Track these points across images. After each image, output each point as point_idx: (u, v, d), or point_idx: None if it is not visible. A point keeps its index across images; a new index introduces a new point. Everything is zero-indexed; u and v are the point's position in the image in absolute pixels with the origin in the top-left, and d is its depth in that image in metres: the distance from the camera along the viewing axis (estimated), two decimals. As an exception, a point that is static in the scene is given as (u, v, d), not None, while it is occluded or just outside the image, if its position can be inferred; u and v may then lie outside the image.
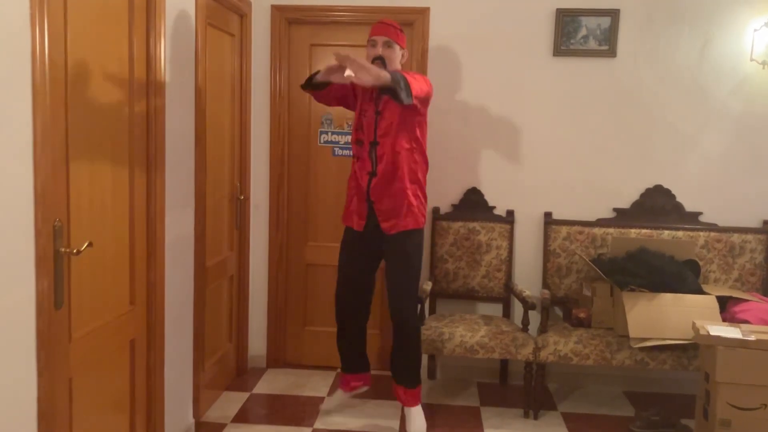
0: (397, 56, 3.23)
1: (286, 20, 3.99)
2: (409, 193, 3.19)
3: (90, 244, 2.15)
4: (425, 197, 3.32)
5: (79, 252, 2.10)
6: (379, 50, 3.18)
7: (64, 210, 2.10)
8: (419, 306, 3.45)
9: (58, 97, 2.05)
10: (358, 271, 3.42)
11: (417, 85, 2.97)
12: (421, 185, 3.28)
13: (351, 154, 3.45)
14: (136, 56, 2.56)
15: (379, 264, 3.44)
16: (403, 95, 2.85)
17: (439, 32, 3.91)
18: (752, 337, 2.97)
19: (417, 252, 3.28)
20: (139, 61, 2.59)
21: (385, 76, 2.81)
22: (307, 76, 3.31)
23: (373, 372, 3.68)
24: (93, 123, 2.30)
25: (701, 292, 3.45)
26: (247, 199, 3.99)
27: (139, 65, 2.59)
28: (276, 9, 3.96)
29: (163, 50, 2.71)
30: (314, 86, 3.22)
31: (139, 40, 2.58)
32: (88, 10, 2.22)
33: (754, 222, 3.88)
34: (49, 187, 1.98)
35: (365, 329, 3.55)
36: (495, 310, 4.01)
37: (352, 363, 3.56)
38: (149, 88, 2.66)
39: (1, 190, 1.80)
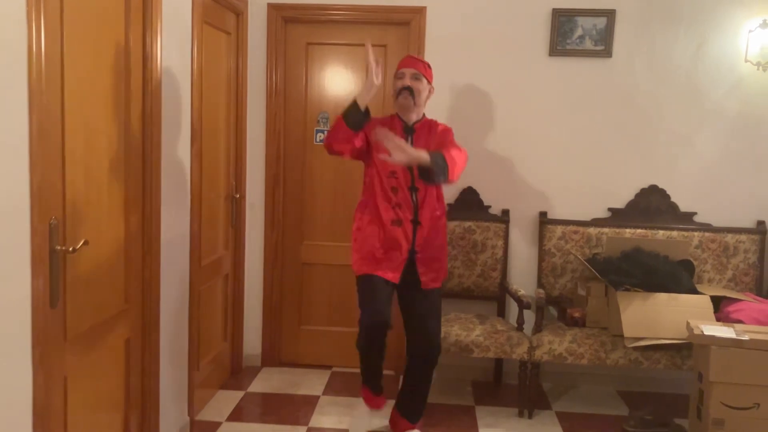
0: (425, 89, 3.15)
1: (282, 19, 3.98)
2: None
3: (86, 242, 2.14)
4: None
5: (75, 250, 2.09)
6: (407, 81, 3.09)
7: (60, 208, 2.09)
8: None
9: (54, 94, 2.04)
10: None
11: (457, 164, 2.91)
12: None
13: None
14: (132, 54, 2.55)
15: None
16: (440, 178, 2.87)
17: (435, 32, 3.91)
18: (746, 337, 2.99)
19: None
20: (136, 59, 2.59)
21: (423, 157, 2.80)
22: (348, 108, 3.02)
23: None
24: (89, 121, 2.29)
25: (695, 291, 3.47)
26: (242, 197, 3.99)
27: (135, 63, 2.58)
28: (272, 7, 3.96)
29: (160, 48, 2.70)
30: (355, 120, 2.95)
31: (135, 37, 2.57)
32: (84, 7, 2.21)
33: (748, 222, 3.90)
34: (45, 185, 1.97)
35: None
36: (490, 309, 4.01)
37: (380, 382, 3.38)
38: (145, 86, 2.66)
39: (-4, 187, 1.80)
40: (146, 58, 2.65)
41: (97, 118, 2.35)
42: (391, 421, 3.35)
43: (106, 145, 2.42)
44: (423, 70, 3.14)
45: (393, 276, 3.09)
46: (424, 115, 3.23)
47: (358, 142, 3.02)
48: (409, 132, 3.15)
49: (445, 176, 2.85)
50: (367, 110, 2.97)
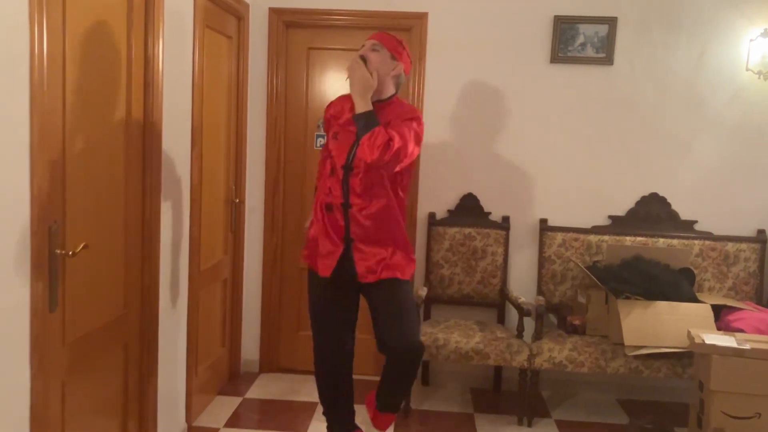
0: (384, 64, 2.76)
1: (283, 23, 3.98)
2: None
3: (85, 246, 2.12)
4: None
5: (74, 254, 2.07)
6: (362, 51, 2.78)
7: (60, 212, 2.08)
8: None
9: (56, 97, 2.03)
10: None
11: (379, 140, 2.55)
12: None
13: None
14: (134, 57, 2.54)
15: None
16: (359, 132, 2.63)
17: (437, 38, 3.90)
18: (747, 346, 2.98)
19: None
20: (137, 62, 2.57)
21: (365, 103, 2.63)
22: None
23: (369, 377, 3.66)
24: (90, 124, 2.27)
25: (696, 300, 3.46)
26: (242, 202, 3.97)
27: (136, 66, 2.57)
28: (274, 12, 3.95)
29: (161, 52, 2.69)
30: None
31: (137, 41, 2.56)
32: (86, 10, 2.20)
33: (749, 231, 3.89)
34: (46, 188, 1.95)
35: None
36: (490, 316, 4.00)
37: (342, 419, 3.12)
38: (146, 90, 2.64)
39: (-4, 190, 1.78)
40: (147, 62, 2.63)
41: (97, 122, 2.33)
42: (369, 412, 3.06)
43: (106, 149, 2.41)
44: (387, 42, 2.79)
45: (325, 268, 2.83)
46: (393, 96, 2.84)
47: None
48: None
49: (362, 133, 2.59)
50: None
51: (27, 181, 1.89)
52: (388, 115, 2.75)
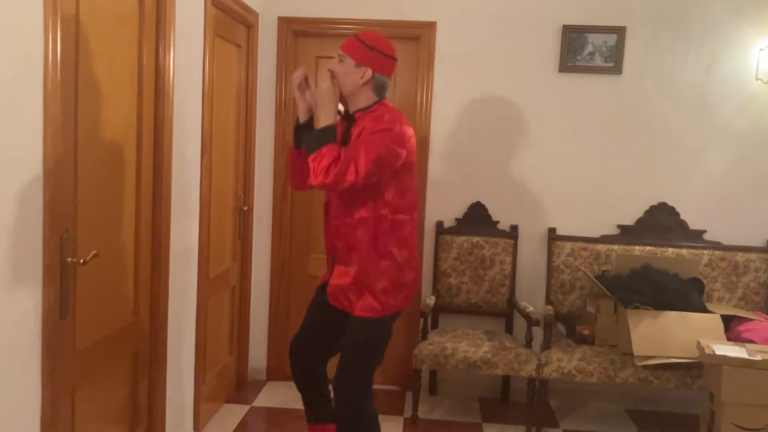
0: (349, 75, 2.52)
1: (292, 32, 4.00)
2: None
3: (96, 254, 2.13)
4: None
5: (85, 262, 2.08)
6: (331, 65, 2.59)
7: (71, 220, 2.09)
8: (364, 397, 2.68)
9: (69, 106, 2.04)
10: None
11: (326, 161, 2.36)
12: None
13: None
14: (145, 65, 2.56)
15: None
16: (306, 151, 2.46)
17: (445, 47, 3.91)
18: (758, 357, 2.96)
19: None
20: (148, 71, 2.59)
21: (324, 118, 2.46)
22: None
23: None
24: (102, 132, 2.29)
25: (705, 310, 3.44)
26: (250, 210, 3.98)
27: (148, 74, 2.58)
28: (283, 21, 3.97)
29: (172, 60, 2.70)
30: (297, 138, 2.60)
31: (148, 49, 2.57)
32: (99, 18, 2.22)
33: (759, 241, 3.87)
34: (58, 197, 1.96)
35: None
36: (498, 325, 3.99)
37: (313, 410, 2.92)
38: (157, 98, 2.66)
39: (10, 199, 1.79)
40: (159, 70, 2.65)
41: (109, 130, 2.34)
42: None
43: (117, 157, 2.42)
44: (349, 49, 2.54)
45: (323, 277, 2.74)
46: (375, 104, 2.57)
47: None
48: (349, 120, 2.60)
49: (308, 153, 2.43)
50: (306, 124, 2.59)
51: (40, 190, 1.89)
52: (364, 124, 2.52)
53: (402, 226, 2.55)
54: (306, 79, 2.60)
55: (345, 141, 2.53)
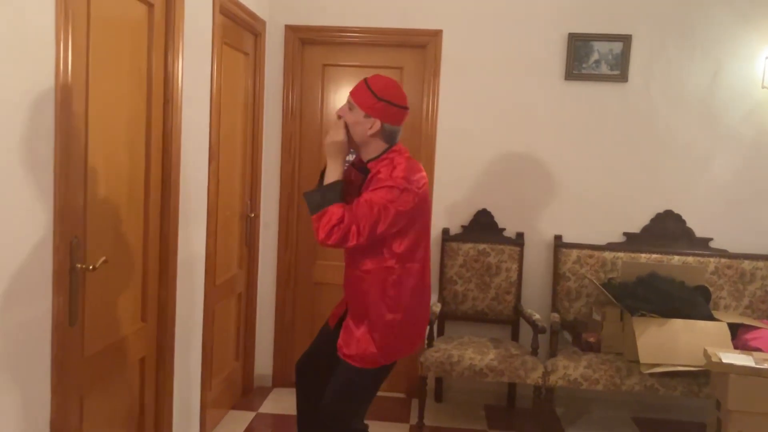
0: (359, 124, 2.44)
1: (299, 40, 4.02)
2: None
3: (105, 261, 2.15)
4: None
5: (95, 268, 2.10)
6: (340, 110, 2.52)
7: (81, 227, 2.10)
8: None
9: (79, 114, 2.06)
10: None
11: (330, 221, 2.32)
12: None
13: None
14: (154, 73, 2.58)
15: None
16: (310, 209, 2.40)
17: (451, 55, 3.93)
18: (765, 366, 2.95)
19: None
20: (157, 79, 2.61)
21: (334, 170, 2.41)
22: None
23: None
24: (111, 139, 2.31)
25: (712, 318, 3.44)
26: (257, 217, 4.00)
27: (156, 82, 2.60)
28: (290, 29, 3.99)
29: (180, 68, 2.73)
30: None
31: (157, 57, 2.59)
32: (109, 28, 2.24)
33: (765, 249, 3.86)
34: (68, 204, 1.98)
35: None
36: (504, 332, 3.99)
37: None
38: (166, 106, 2.68)
39: (22, 206, 1.81)
40: (167, 78, 2.67)
41: (118, 138, 2.37)
42: None
43: (125, 164, 2.44)
44: (358, 99, 2.45)
45: (332, 317, 2.71)
46: (388, 151, 2.47)
47: None
48: (363, 171, 2.51)
49: (312, 212, 2.39)
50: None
51: (51, 197, 1.91)
52: (373, 176, 2.44)
53: (411, 275, 2.45)
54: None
55: (360, 192, 2.46)
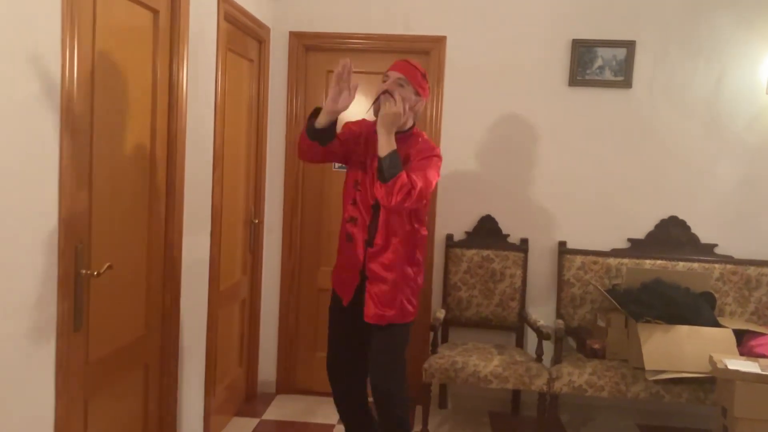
0: (409, 99, 2.73)
1: (303, 47, 4.03)
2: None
3: (110, 266, 2.15)
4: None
5: (99, 274, 2.10)
6: (388, 85, 2.72)
7: (86, 233, 2.11)
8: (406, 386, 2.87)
9: (84, 121, 2.07)
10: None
11: (401, 185, 2.52)
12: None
13: None
14: (159, 81, 2.59)
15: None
16: (382, 176, 2.56)
17: (455, 61, 3.94)
18: (771, 372, 2.93)
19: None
20: (162, 85, 2.62)
21: (389, 142, 2.58)
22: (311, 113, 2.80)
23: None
24: (116, 147, 2.31)
25: (717, 324, 3.42)
26: (261, 223, 4.00)
27: (161, 89, 2.61)
28: (294, 36, 4.01)
29: (185, 75, 2.74)
30: (318, 135, 2.71)
31: (162, 64, 2.60)
32: (114, 35, 2.25)
33: (770, 255, 3.86)
34: (74, 210, 1.98)
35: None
36: (508, 339, 3.98)
37: None
38: (171, 112, 2.68)
39: (28, 212, 1.81)
40: (172, 85, 2.68)
41: (123, 144, 2.37)
42: None
43: (131, 170, 2.44)
44: (412, 76, 2.75)
45: (346, 298, 2.84)
46: (413, 127, 2.84)
47: (333, 148, 2.79)
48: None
49: (384, 179, 2.55)
50: (329, 127, 2.70)
51: (56, 203, 1.92)
52: (408, 148, 2.73)
53: (425, 240, 2.87)
54: (349, 74, 2.65)
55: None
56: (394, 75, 2.75)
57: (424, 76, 2.81)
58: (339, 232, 2.94)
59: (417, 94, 2.77)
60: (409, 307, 2.79)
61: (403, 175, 2.55)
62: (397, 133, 2.69)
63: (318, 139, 2.72)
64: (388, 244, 2.73)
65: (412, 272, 2.80)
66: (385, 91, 2.69)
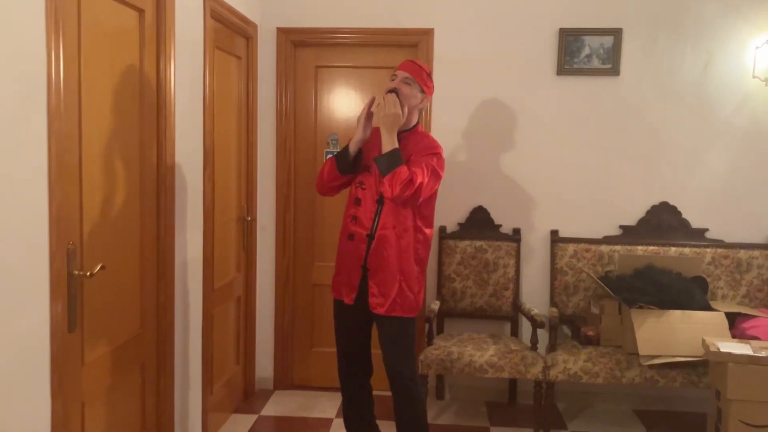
0: (415, 97, 2.85)
1: (291, 43, 4.03)
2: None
3: (103, 267, 2.15)
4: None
5: (92, 274, 2.10)
6: (395, 83, 2.84)
7: (77, 233, 2.11)
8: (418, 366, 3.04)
9: (72, 121, 2.07)
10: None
11: (400, 179, 2.63)
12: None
13: None
14: (146, 79, 2.58)
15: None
16: (381, 169, 2.70)
17: (443, 53, 3.94)
18: (763, 354, 2.96)
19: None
20: (149, 84, 2.62)
21: (392, 140, 2.71)
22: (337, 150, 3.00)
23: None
24: (105, 147, 2.31)
25: (709, 308, 3.45)
26: (253, 220, 4.00)
27: (149, 88, 2.61)
28: (281, 32, 4.00)
29: (173, 73, 2.73)
30: (354, 166, 2.87)
31: (149, 63, 2.60)
32: (100, 35, 2.24)
33: (761, 238, 3.88)
34: (63, 210, 1.98)
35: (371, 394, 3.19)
36: (503, 328, 4.00)
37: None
38: (159, 111, 2.68)
39: (17, 214, 1.81)
40: (160, 84, 2.68)
41: (112, 144, 2.37)
42: None
43: (121, 170, 2.44)
44: (418, 75, 2.86)
45: (348, 297, 2.90)
46: (417, 125, 2.93)
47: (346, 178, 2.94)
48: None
49: (384, 173, 2.67)
50: (358, 155, 2.88)
51: (45, 204, 1.92)
52: (411, 146, 2.83)
53: (428, 239, 2.92)
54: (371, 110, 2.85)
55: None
56: (402, 74, 2.87)
57: (429, 75, 2.92)
58: (339, 233, 2.98)
59: (422, 92, 2.88)
60: (410, 295, 2.84)
61: (404, 167, 2.66)
62: (400, 131, 2.82)
63: (352, 171, 2.89)
64: (390, 236, 2.80)
65: (414, 269, 2.85)
66: (393, 90, 2.81)
